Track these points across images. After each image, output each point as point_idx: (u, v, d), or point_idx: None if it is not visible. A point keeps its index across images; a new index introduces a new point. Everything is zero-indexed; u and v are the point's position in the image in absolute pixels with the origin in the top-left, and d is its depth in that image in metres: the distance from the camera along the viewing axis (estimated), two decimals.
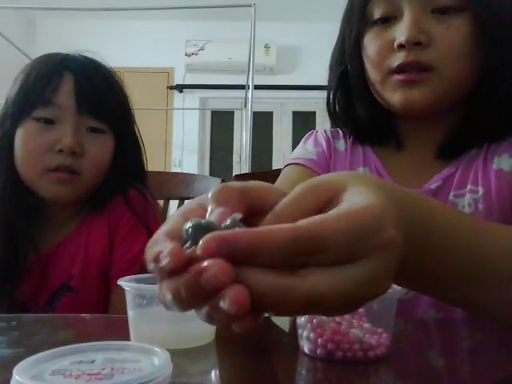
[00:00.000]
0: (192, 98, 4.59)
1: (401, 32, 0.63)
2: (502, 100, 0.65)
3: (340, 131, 0.81)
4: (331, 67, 0.78)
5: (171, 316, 0.49)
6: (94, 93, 0.83)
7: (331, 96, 0.77)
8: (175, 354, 0.34)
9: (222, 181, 1.10)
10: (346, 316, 0.45)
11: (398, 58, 0.64)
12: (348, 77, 0.74)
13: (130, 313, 0.49)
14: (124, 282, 0.48)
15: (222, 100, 4.60)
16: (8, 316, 0.60)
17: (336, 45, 0.77)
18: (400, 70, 0.64)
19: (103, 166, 0.84)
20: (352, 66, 0.72)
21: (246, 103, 3.72)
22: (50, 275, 0.82)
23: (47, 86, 0.80)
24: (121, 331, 0.50)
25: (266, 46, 4.34)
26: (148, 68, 4.50)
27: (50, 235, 0.85)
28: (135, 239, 0.84)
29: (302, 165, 0.75)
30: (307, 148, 0.78)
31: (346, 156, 0.76)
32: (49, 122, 0.80)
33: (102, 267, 0.83)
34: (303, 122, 4.52)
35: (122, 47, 4.33)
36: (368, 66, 0.69)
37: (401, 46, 0.63)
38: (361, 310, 0.45)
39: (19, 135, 0.81)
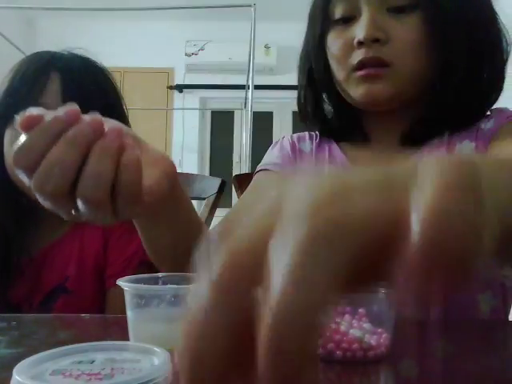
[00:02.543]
0: (192, 98, 4.59)
1: (360, 30, 0.66)
2: (455, 92, 0.67)
3: (307, 134, 0.84)
4: (299, 67, 0.80)
5: (171, 316, 0.49)
6: (81, 92, 0.81)
7: (301, 95, 0.79)
8: (175, 354, 0.34)
9: (222, 181, 1.10)
10: (346, 316, 0.45)
11: (359, 55, 0.67)
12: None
13: (129, 313, 0.49)
14: (123, 282, 0.48)
15: (222, 100, 4.60)
16: (8, 316, 0.60)
17: (303, 44, 0.79)
18: (361, 66, 0.67)
19: None
20: (317, 64, 0.75)
21: (246, 103, 3.72)
22: (44, 276, 0.82)
23: (33, 87, 0.79)
24: (121, 331, 0.50)
25: (266, 46, 4.34)
26: (148, 68, 4.50)
27: (44, 236, 0.84)
28: (130, 240, 0.83)
29: (269, 170, 0.78)
30: (273, 153, 0.82)
31: (311, 156, 0.79)
32: None
33: (96, 268, 0.83)
34: None
35: (122, 47, 4.33)
36: (332, 64, 0.72)
37: (360, 44, 0.66)
38: (361, 310, 0.45)
39: (7, 137, 0.80)
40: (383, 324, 0.45)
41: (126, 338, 0.48)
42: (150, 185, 0.45)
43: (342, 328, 0.43)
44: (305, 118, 0.80)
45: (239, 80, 3.91)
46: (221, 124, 4.76)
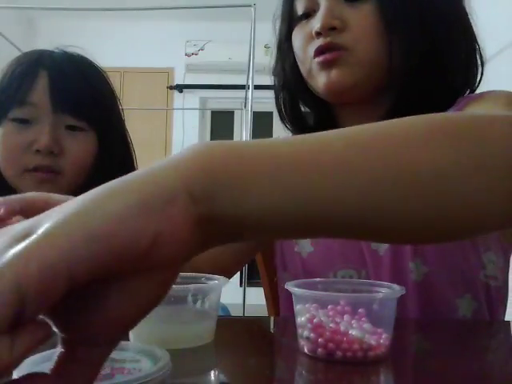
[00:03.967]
0: (192, 98, 4.59)
1: (317, 21, 0.67)
2: (416, 78, 0.67)
3: None
4: (273, 68, 0.81)
5: (171, 316, 0.49)
6: (69, 90, 0.80)
7: (278, 96, 0.80)
8: (175, 353, 0.34)
9: None
10: (346, 316, 0.45)
11: (316, 43, 0.67)
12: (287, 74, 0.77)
13: None
14: None
15: (222, 100, 4.60)
16: None
17: (276, 45, 0.80)
18: (319, 53, 0.67)
19: (85, 164, 0.83)
20: (285, 63, 0.76)
21: (245, 103, 3.72)
22: None
23: (21, 86, 0.78)
24: None
25: (266, 46, 4.34)
26: (148, 68, 4.50)
27: None
28: None
29: None
30: None
31: None
32: (25, 122, 0.79)
33: None
34: None
35: (122, 47, 4.33)
36: (297, 60, 0.73)
37: (318, 34, 0.67)
38: (361, 310, 0.45)
39: None
40: (383, 324, 0.45)
41: (126, 338, 0.48)
42: None
43: (342, 328, 0.43)
44: (283, 119, 0.81)
45: (239, 80, 3.91)
46: (221, 124, 4.76)
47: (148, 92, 4.44)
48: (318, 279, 0.52)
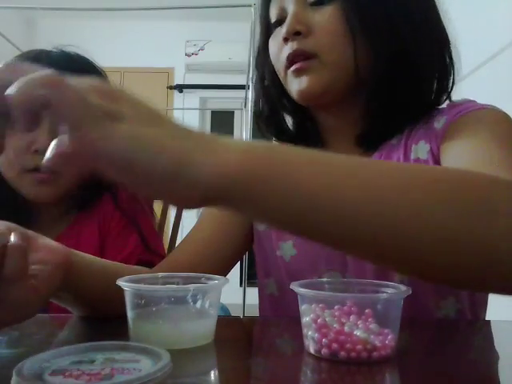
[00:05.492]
0: (192, 98, 4.59)
1: (284, 27, 0.68)
2: (387, 80, 0.67)
3: None
4: (256, 75, 0.82)
5: (171, 316, 0.49)
6: None
7: (259, 102, 0.81)
8: (175, 353, 0.34)
9: None
10: (352, 317, 0.44)
11: (286, 51, 0.68)
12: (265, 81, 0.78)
13: (130, 313, 0.49)
14: (123, 282, 0.48)
15: (222, 100, 4.60)
16: None
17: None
18: (290, 62, 0.68)
19: None
20: (266, 69, 0.77)
21: (245, 103, 3.72)
22: None
23: None
24: (121, 331, 0.50)
25: None
26: (148, 68, 4.50)
27: None
28: (126, 240, 0.83)
29: None
30: None
31: None
32: None
33: None
34: None
35: (122, 47, 4.33)
36: (274, 66, 0.74)
37: (285, 40, 0.68)
38: (367, 310, 0.45)
39: None
40: (390, 324, 0.45)
41: (126, 338, 0.48)
42: (44, 278, 0.47)
43: (347, 329, 0.43)
44: (261, 124, 0.81)
45: (239, 80, 3.91)
46: (221, 124, 4.76)
47: (148, 92, 4.43)
48: (325, 279, 0.51)
